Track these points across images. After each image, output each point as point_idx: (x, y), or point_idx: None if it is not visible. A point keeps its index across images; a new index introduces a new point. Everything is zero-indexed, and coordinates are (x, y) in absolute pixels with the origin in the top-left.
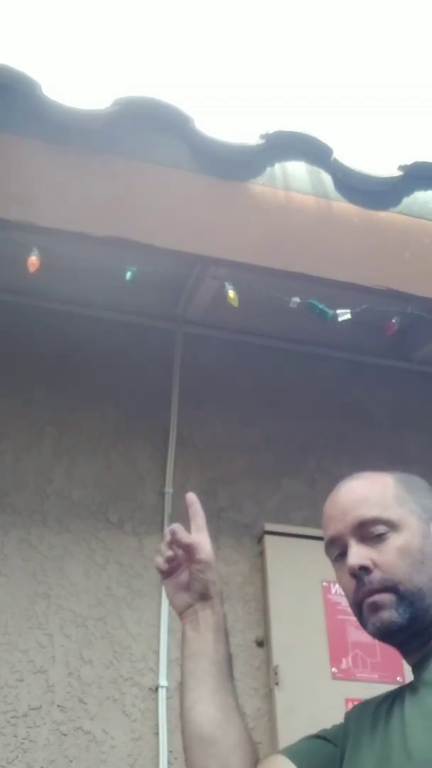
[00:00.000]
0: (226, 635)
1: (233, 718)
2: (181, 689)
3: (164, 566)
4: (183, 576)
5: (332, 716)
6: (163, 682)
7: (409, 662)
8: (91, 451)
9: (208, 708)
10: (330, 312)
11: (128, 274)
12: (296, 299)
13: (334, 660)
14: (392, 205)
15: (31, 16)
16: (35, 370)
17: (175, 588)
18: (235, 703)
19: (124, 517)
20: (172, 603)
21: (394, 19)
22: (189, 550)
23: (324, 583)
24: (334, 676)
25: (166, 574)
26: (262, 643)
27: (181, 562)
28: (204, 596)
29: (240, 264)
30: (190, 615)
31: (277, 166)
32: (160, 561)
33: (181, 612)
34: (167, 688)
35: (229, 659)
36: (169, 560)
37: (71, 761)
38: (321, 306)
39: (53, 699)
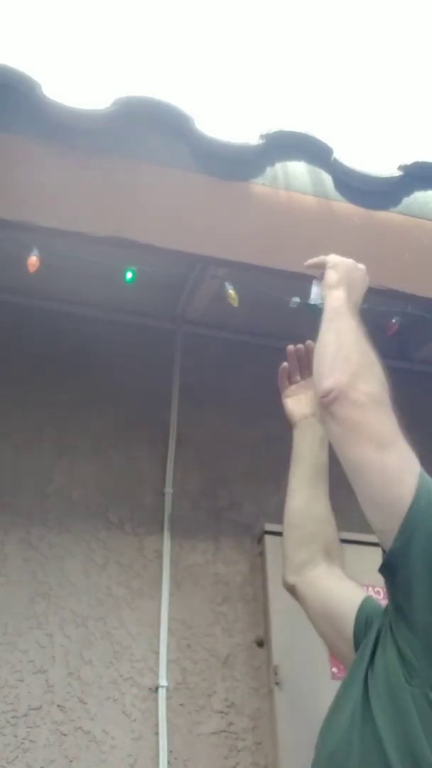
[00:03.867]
0: (327, 449)
1: (316, 511)
2: (287, 490)
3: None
4: (300, 392)
5: None
6: (163, 682)
7: None
8: (91, 451)
9: (298, 499)
10: None
11: (128, 274)
12: (296, 299)
13: (334, 660)
14: (392, 205)
15: (31, 16)
16: (35, 370)
17: (294, 402)
18: (323, 501)
19: (124, 517)
20: (290, 415)
21: (394, 19)
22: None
23: None
24: (334, 676)
25: (286, 386)
26: (262, 643)
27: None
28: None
29: (240, 264)
30: (302, 425)
31: (278, 166)
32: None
33: (297, 422)
34: (167, 688)
35: (326, 467)
36: (289, 375)
37: (71, 761)
38: (321, 306)
39: (53, 699)
